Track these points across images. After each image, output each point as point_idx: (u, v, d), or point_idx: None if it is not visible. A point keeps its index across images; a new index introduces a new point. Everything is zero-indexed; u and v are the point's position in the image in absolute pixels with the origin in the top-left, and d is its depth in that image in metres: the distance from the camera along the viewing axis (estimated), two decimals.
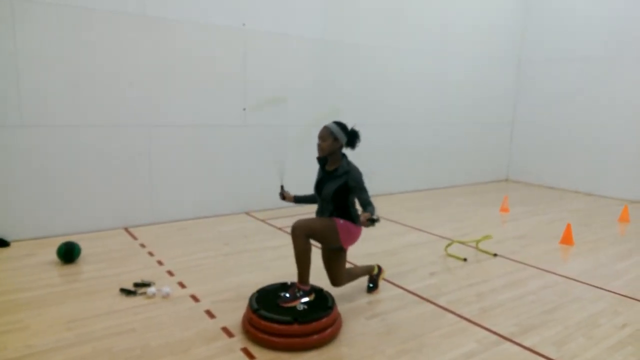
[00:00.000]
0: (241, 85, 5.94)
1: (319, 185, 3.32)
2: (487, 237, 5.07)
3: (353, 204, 3.29)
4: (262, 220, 5.84)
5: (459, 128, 8.50)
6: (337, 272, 3.43)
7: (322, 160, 3.36)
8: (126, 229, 5.28)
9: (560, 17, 8.52)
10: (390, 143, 7.47)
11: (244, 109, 5.99)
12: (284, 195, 3.56)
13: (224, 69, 5.77)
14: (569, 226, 5.30)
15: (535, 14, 8.90)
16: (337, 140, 3.20)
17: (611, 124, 7.94)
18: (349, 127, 3.28)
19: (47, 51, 4.64)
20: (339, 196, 3.21)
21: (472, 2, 8.18)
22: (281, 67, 6.21)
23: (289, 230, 5.33)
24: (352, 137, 3.26)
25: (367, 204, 3.11)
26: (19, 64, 4.51)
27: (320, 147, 3.23)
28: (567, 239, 5.24)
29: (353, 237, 3.30)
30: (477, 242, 4.99)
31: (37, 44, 4.58)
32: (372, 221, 2.93)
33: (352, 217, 3.25)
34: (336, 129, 3.21)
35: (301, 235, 3.07)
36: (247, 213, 6.17)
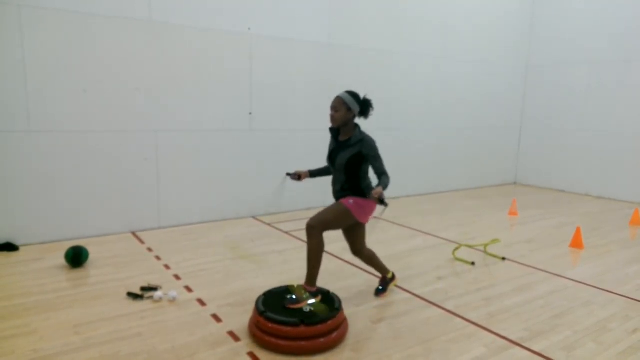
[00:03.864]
0: (247, 90, 5.95)
1: (332, 155, 3.32)
2: (495, 240, 5.03)
3: (366, 174, 3.29)
4: (269, 224, 5.84)
5: (467, 131, 8.46)
6: (360, 240, 3.48)
7: (334, 131, 3.36)
8: (133, 234, 5.30)
9: (569, 20, 8.47)
10: (397, 146, 7.45)
11: (250, 114, 6.00)
12: (299, 176, 3.54)
13: (229, 73, 5.79)
14: (578, 230, 5.24)
15: (544, 17, 8.85)
16: (350, 110, 3.21)
17: (621, 126, 7.87)
18: (362, 96, 3.28)
19: (55, 57, 4.68)
20: (352, 165, 3.21)
21: (479, 5, 8.16)
22: (286, 71, 6.23)
23: (295, 234, 5.34)
24: (365, 106, 3.26)
25: (381, 173, 3.14)
26: (27, 70, 4.56)
27: (333, 118, 3.24)
28: (576, 243, 5.19)
29: (368, 211, 3.31)
30: (485, 246, 4.95)
31: (45, 50, 4.62)
32: (382, 202, 2.91)
33: (363, 188, 3.25)
34: (349, 99, 3.21)
35: (317, 234, 3.08)
36: (254, 217, 6.17)
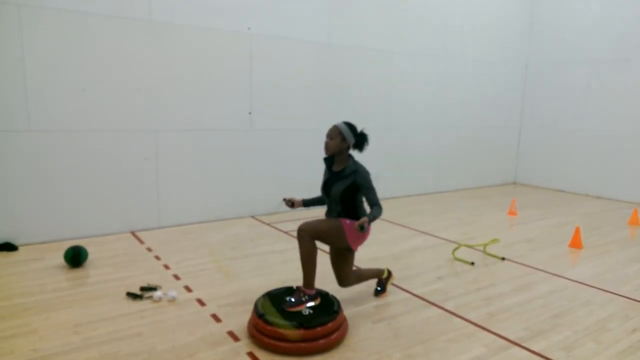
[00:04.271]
0: (247, 90, 5.95)
1: (326, 185, 3.31)
2: (495, 240, 5.04)
3: (361, 204, 3.28)
4: (268, 224, 5.84)
5: (466, 131, 8.46)
6: (345, 272, 3.42)
7: (328, 161, 3.36)
8: (133, 233, 5.30)
9: (569, 20, 8.47)
10: (397, 146, 7.45)
11: (250, 113, 6.00)
12: (292, 203, 3.53)
13: (229, 73, 5.79)
14: (578, 229, 5.24)
15: (543, 17, 8.85)
16: (345, 141, 3.21)
17: (620, 126, 7.87)
18: (359, 129, 3.28)
19: (54, 57, 4.68)
20: (347, 196, 3.20)
21: (478, 5, 8.16)
22: (286, 70, 6.23)
23: (294, 234, 5.33)
24: (360, 139, 3.26)
25: (374, 204, 3.13)
26: (27, 69, 4.55)
27: (327, 145, 3.23)
28: (576, 243, 5.19)
29: (361, 238, 3.28)
30: (485, 245, 4.95)
31: (45, 50, 4.62)
32: (362, 229, 2.97)
33: (359, 217, 3.24)
34: (345, 129, 3.21)
35: (307, 238, 3.06)
36: (253, 217, 6.17)
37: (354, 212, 3.24)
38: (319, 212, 5.92)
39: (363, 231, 3.02)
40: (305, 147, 6.37)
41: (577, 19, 8.33)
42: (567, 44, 8.48)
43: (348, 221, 3.20)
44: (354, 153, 3.32)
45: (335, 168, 3.30)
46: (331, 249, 3.42)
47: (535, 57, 9.02)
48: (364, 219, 2.97)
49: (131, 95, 5.15)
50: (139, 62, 5.15)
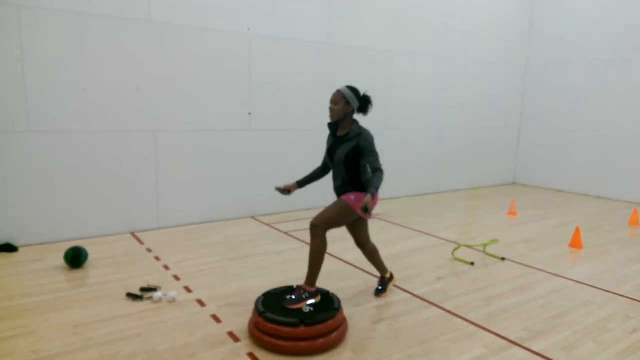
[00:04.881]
0: (246, 90, 5.95)
1: (331, 150, 3.34)
2: (494, 241, 5.04)
3: (365, 168, 3.30)
4: (268, 225, 5.83)
5: (466, 131, 8.46)
6: (364, 233, 3.51)
7: (333, 127, 3.37)
8: (133, 234, 5.29)
9: (568, 20, 8.47)
10: (397, 146, 7.46)
11: (249, 114, 6.00)
12: (288, 190, 3.53)
13: (229, 73, 5.79)
14: (577, 229, 5.24)
15: (543, 17, 8.86)
16: (349, 104, 3.23)
17: (620, 126, 7.87)
18: (362, 92, 3.29)
19: (53, 57, 4.68)
20: (351, 160, 3.22)
21: (478, 5, 8.16)
22: (286, 71, 6.23)
23: (295, 234, 5.34)
24: (364, 102, 3.28)
25: (375, 169, 3.17)
26: (26, 70, 4.55)
27: (332, 111, 3.25)
28: (576, 243, 5.19)
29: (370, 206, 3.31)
30: (485, 246, 4.95)
31: (44, 51, 4.62)
32: (366, 211, 2.99)
33: (364, 182, 3.27)
34: (349, 93, 3.23)
35: (320, 233, 3.09)
36: (253, 217, 6.17)
37: (358, 177, 3.26)
38: (317, 204, 5.91)
39: (368, 212, 3.04)
40: (305, 147, 6.37)
41: (577, 18, 8.33)
42: (567, 44, 8.48)
43: (352, 196, 3.23)
44: (358, 117, 3.33)
45: (340, 133, 3.33)
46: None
47: (535, 57, 9.02)
48: (367, 199, 2.99)
49: (131, 96, 5.15)
50: (139, 63, 5.15)
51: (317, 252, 3.12)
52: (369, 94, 3.30)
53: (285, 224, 5.81)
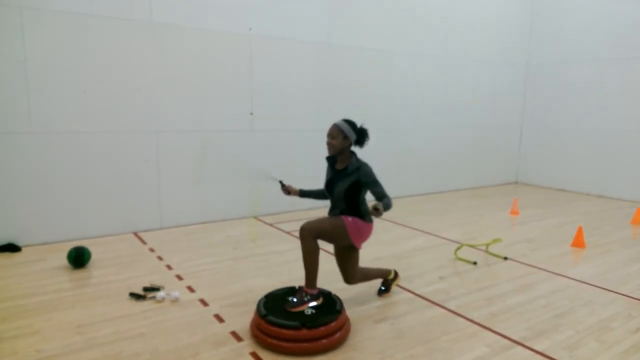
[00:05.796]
0: (248, 90, 5.96)
1: (330, 184, 3.32)
2: (497, 240, 5.03)
3: (364, 200, 3.28)
4: (270, 225, 5.84)
5: (468, 131, 8.46)
6: (351, 270, 3.42)
7: (331, 159, 3.36)
8: (135, 234, 5.30)
9: (569, 18, 8.46)
10: (397, 146, 7.45)
11: (251, 114, 6.01)
12: (288, 190, 3.53)
13: (230, 74, 5.80)
14: (580, 229, 5.24)
15: (544, 16, 8.85)
16: (347, 138, 3.22)
17: (622, 125, 7.87)
18: (358, 125, 3.29)
19: (56, 58, 4.69)
20: (351, 194, 3.21)
21: (479, 5, 8.16)
22: (287, 71, 6.23)
23: (297, 234, 5.33)
24: (361, 135, 3.27)
25: (382, 197, 3.09)
26: (28, 71, 4.56)
27: (330, 145, 3.24)
28: (578, 242, 5.18)
29: (363, 235, 3.29)
30: (487, 245, 4.95)
31: (46, 52, 4.63)
32: (376, 210, 2.88)
33: (362, 214, 3.25)
34: (346, 127, 3.22)
35: (309, 237, 3.06)
36: (255, 217, 6.17)
37: (357, 210, 3.24)
38: (322, 212, 5.92)
39: (378, 214, 2.88)
40: (306, 147, 6.38)
41: (577, 17, 8.32)
42: (568, 43, 8.48)
43: (350, 218, 3.20)
44: (354, 148, 3.33)
45: (338, 166, 3.31)
46: (336, 248, 3.43)
47: (536, 57, 9.01)
48: (380, 204, 2.88)
49: (132, 97, 5.16)
50: (140, 64, 5.16)
51: (309, 256, 3.09)
52: (365, 126, 3.30)
53: (287, 224, 5.82)
